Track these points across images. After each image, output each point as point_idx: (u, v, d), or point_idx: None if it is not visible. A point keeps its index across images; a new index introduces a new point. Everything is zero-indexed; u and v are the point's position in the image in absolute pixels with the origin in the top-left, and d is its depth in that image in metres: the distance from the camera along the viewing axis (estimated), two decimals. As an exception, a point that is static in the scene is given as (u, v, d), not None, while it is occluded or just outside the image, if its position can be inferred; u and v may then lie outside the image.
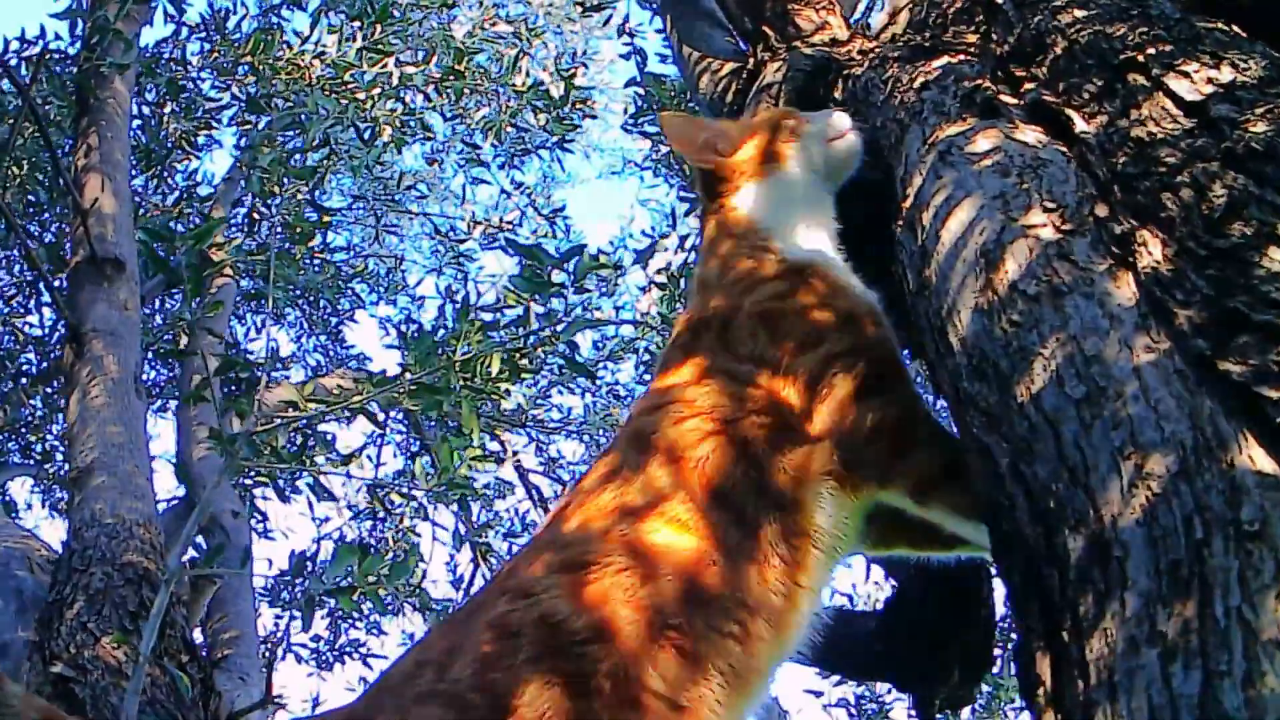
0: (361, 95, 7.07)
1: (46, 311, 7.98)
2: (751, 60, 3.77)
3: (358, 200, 9.78)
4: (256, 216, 8.36)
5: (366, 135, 7.40)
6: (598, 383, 8.85)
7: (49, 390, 8.23)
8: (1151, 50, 1.75)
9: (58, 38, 6.61)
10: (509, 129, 8.12)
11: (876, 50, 3.10)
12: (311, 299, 9.61)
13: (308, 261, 8.46)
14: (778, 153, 2.57)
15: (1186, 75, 1.62)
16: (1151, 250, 1.37)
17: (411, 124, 7.82)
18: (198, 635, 6.38)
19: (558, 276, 4.13)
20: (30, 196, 7.67)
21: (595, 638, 1.76)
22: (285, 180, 7.17)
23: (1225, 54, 1.65)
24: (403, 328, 9.37)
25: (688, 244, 6.86)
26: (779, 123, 2.66)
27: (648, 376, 6.09)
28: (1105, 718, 1.14)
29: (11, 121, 6.58)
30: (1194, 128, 1.50)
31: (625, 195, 16.04)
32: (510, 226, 8.97)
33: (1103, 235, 1.46)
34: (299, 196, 7.55)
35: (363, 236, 10.14)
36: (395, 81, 7.20)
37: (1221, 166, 1.38)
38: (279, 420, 4.67)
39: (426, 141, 8.70)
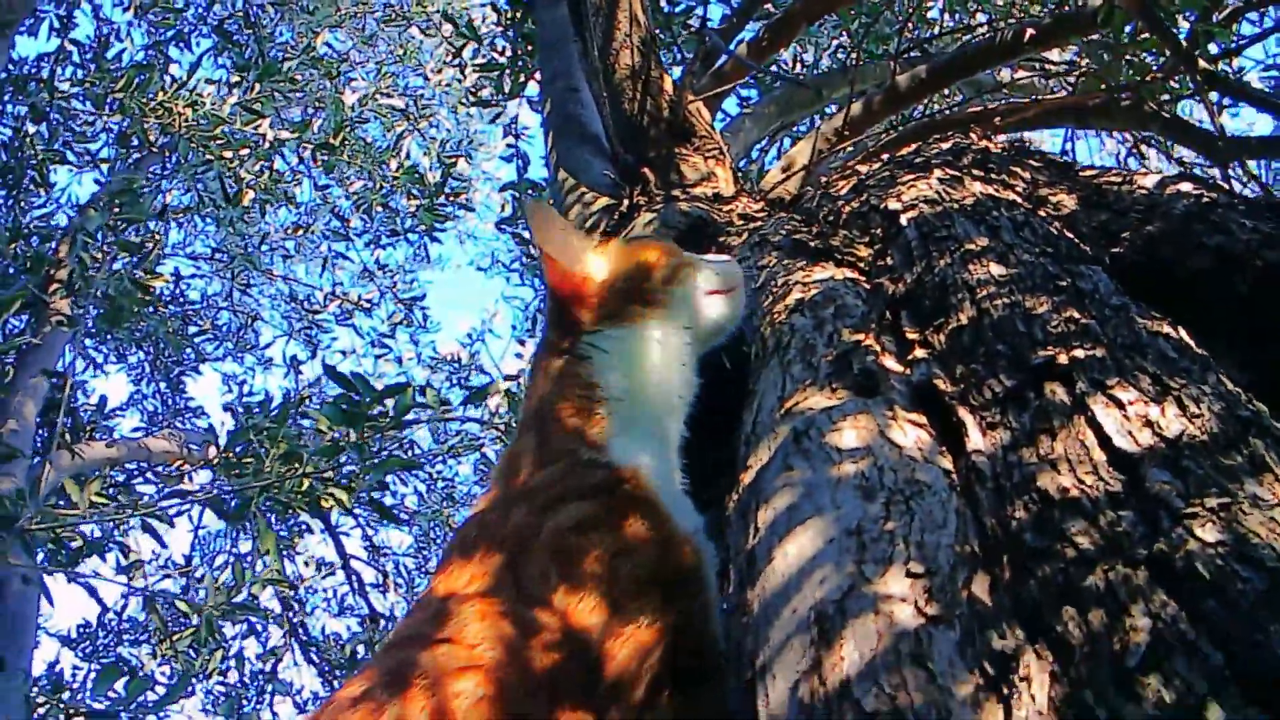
0: (229, 154, 6.66)
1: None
2: (625, 202, 3.43)
3: (218, 252, 9.38)
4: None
5: (232, 193, 7.01)
6: (434, 476, 8.61)
7: None
8: (1079, 352, 1.37)
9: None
10: (379, 209, 7.83)
11: (759, 219, 2.77)
12: (153, 345, 9.22)
13: (150, 312, 8.01)
14: (650, 296, 2.06)
15: (1119, 405, 1.24)
16: (1035, 693, 0.97)
17: (278, 190, 7.49)
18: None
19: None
20: None
21: None
22: (110, 249, 6.70)
23: (1171, 382, 1.27)
24: (230, 413, 9.07)
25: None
26: (662, 258, 2.14)
27: (487, 477, 5.89)
28: None
29: None
30: (1121, 494, 1.12)
31: (492, 287, 15.80)
32: (368, 305, 8.70)
33: (976, 638, 1.07)
34: (128, 266, 7.07)
35: (219, 289, 9.76)
36: (267, 144, 6.81)
37: (1150, 580, 1.00)
38: (56, 522, 4.29)
39: (292, 209, 8.40)
